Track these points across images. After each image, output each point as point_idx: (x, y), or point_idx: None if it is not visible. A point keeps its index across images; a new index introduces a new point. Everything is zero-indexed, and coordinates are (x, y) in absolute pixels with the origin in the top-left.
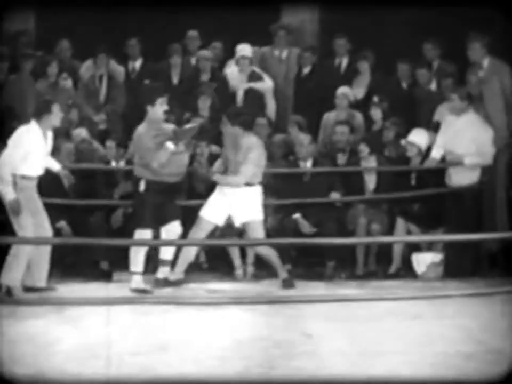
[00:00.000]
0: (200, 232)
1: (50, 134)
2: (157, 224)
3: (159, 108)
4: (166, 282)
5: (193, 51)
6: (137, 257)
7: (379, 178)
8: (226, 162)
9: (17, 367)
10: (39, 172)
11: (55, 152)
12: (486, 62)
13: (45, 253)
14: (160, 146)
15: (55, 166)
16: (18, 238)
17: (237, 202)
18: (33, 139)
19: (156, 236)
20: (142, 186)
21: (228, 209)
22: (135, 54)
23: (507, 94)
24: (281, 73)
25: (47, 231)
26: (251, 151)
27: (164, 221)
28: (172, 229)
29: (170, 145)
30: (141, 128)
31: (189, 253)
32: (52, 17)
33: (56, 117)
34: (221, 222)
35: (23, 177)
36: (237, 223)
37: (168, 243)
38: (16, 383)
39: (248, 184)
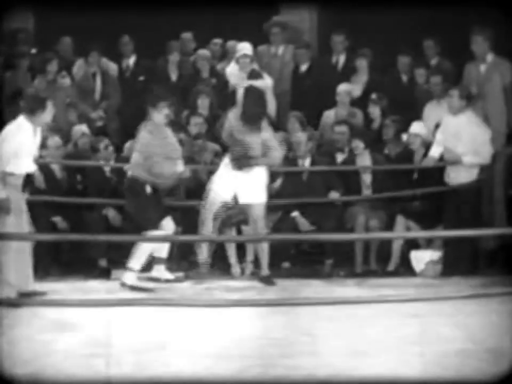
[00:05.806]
0: (212, 204)
1: (39, 130)
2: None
3: (161, 113)
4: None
5: (188, 52)
6: (141, 256)
7: (375, 175)
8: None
9: (16, 366)
10: (28, 169)
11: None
12: (489, 58)
13: (27, 256)
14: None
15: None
16: (15, 234)
17: (243, 181)
18: (24, 136)
19: None
20: (148, 189)
21: (235, 186)
22: (128, 51)
23: (507, 92)
24: (275, 70)
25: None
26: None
27: (162, 218)
28: (167, 225)
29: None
30: (147, 134)
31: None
32: (51, 16)
33: (49, 113)
34: (228, 198)
35: (11, 174)
36: (241, 200)
37: (165, 239)
38: (16, 382)
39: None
